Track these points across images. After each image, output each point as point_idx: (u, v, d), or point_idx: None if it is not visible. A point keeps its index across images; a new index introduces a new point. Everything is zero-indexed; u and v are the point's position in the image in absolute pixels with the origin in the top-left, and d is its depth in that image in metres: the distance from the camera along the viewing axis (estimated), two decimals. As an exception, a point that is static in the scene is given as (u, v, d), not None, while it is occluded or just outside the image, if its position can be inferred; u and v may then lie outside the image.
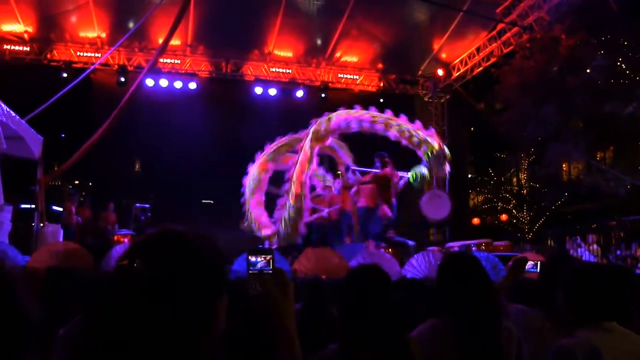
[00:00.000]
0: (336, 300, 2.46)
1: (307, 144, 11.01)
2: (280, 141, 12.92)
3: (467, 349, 2.33)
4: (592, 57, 13.42)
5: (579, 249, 13.11)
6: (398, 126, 11.66)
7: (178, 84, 17.55)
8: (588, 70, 13.55)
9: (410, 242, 12.66)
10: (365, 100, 19.38)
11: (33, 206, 11.93)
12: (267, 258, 1.72)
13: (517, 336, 2.55)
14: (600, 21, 13.42)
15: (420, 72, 19.43)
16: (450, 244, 13.59)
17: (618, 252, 13.19)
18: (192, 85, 17.60)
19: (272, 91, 18.24)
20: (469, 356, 2.34)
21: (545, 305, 2.79)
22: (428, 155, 11.60)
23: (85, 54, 16.94)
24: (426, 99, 20.06)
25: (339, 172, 13.20)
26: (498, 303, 2.53)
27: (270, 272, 1.68)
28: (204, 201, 14.02)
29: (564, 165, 22.16)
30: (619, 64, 13.86)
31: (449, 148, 19.51)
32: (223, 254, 1.25)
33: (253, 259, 1.71)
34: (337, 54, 18.32)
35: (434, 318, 2.50)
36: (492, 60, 16.88)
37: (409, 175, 11.83)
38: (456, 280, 2.48)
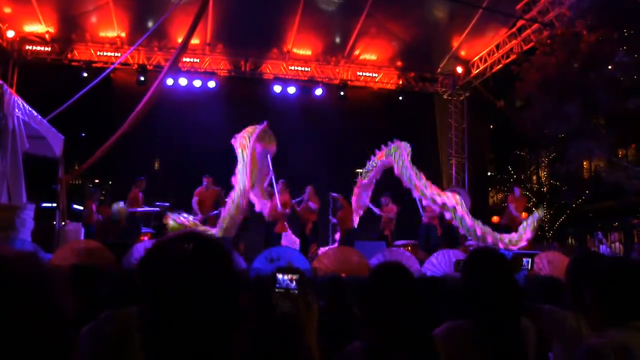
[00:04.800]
0: (357, 299, 2.45)
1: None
2: None
3: (490, 349, 2.30)
4: (615, 54, 13.25)
5: (600, 246, 12.98)
6: None
7: (197, 83, 17.63)
8: (610, 67, 13.38)
9: None
10: (384, 98, 19.42)
11: (54, 205, 12.06)
12: (294, 277, 1.71)
13: (535, 336, 2.52)
14: (623, 16, 13.23)
15: (439, 69, 19.33)
16: (470, 242, 13.52)
17: (641, 251, 13.04)
18: (211, 84, 17.68)
19: (291, 89, 18.26)
20: (491, 357, 2.31)
21: (575, 305, 2.74)
22: None
23: (105, 54, 17.07)
24: (445, 96, 19.98)
25: None
26: (522, 303, 2.49)
27: (296, 291, 1.67)
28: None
29: (584, 163, 21.95)
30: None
31: (469, 146, 19.56)
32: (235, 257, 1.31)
33: (280, 276, 1.70)
34: (356, 52, 18.28)
35: (453, 319, 2.47)
36: (512, 57, 16.71)
37: None
38: (482, 278, 2.43)
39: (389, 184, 13.81)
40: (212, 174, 13.44)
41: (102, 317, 2.11)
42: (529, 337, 2.47)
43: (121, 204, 13.18)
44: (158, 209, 13.30)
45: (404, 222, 14.55)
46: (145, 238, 12.19)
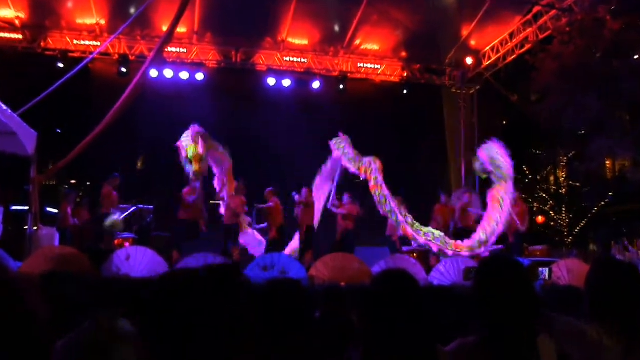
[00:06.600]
0: (356, 306, 2.43)
1: None
2: None
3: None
4: (641, 41, 13.27)
5: (626, 254, 12.96)
6: None
7: (184, 75, 17.56)
8: (636, 57, 13.40)
9: None
10: (388, 91, 19.41)
11: (26, 208, 12.01)
12: None
13: (554, 349, 2.50)
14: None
15: (447, 60, 19.29)
16: (482, 248, 13.54)
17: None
18: (200, 76, 17.62)
19: (286, 82, 18.21)
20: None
21: (595, 317, 2.72)
22: None
23: (83, 42, 17.01)
24: (454, 90, 19.98)
25: None
26: (540, 315, 2.47)
27: None
28: (211, 202, 14.08)
29: (607, 162, 21.94)
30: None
31: (479, 143, 19.54)
32: None
33: None
34: (357, 42, 18.25)
35: (461, 330, 2.45)
36: (527, 46, 16.70)
37: None
38: (497, 288, 2.40)
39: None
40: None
41: (84, 327, 2.11)
42: (549, 353, 2.46)
43: (115, 216, 12.94)
44: (134, 207, 13.32)
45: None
46: (127, 244, 12.17)
